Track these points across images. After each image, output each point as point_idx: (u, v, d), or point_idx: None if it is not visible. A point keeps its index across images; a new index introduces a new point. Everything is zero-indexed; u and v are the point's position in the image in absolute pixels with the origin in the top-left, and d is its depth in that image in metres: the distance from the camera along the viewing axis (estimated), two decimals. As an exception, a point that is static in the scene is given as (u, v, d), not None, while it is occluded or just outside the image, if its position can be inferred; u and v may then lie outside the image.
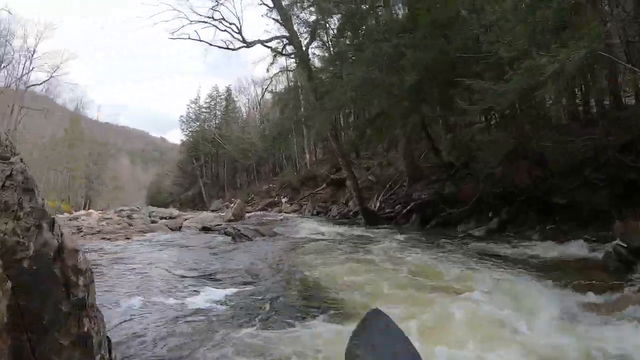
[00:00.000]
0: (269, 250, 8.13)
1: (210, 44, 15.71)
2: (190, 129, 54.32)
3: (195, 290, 4.89)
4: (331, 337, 3.21)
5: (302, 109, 31.39)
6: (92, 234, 11.30)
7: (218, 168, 53.15)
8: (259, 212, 28.83)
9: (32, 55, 37.81)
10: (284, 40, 14.22)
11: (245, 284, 5.30)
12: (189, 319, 3.82)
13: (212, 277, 5.75)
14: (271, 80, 22.82)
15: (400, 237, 9.49)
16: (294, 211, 27.16)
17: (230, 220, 19.96)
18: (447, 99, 9.59)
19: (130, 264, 6.65)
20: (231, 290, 4.84)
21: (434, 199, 11.86)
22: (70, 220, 14.34)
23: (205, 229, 13.08)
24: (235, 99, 53.64)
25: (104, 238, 10.67)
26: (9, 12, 40.58)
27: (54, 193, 43.57)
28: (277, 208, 30.24)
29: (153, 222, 14.59)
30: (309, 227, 13.94)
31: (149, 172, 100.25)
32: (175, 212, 16.04)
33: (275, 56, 15.40)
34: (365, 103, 14.74)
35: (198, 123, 53.99)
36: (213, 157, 52.73)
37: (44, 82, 39.57)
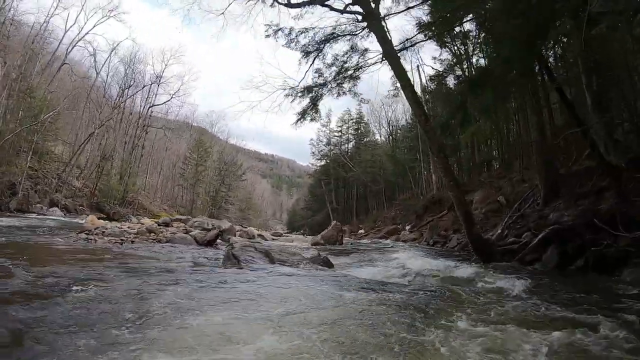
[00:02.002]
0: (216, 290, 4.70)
1: None
2: (320, 152, 53.39)
3: None
4: None
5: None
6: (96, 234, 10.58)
7: (349, 193, 50.93)
8: (368, 240, 25.53)
9: (159, 80, 41.65)
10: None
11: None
12: None
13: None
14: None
15: (516, 288, 5.27)
16: (414, 239, 23.03)
17: (317, 244, 17.00)
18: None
19: None
20: None
21: (583, 221, 7.11)
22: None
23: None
24: (367, 121, 51.26)
25: (87, 238, 9.78)
26: (134, 41, 45.35)
27: (180, 208, 45.95)
28: (396, 235, 26.30)
29: (187, 232, 12.36)
30: (400, 260, 10.08)
31: (293, 197, 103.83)
32: (226, 224, 13.95)
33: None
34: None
35: (329, 147, 52.85)
36: (344, 181, 50.73)
37: (165, 102, 44.47)
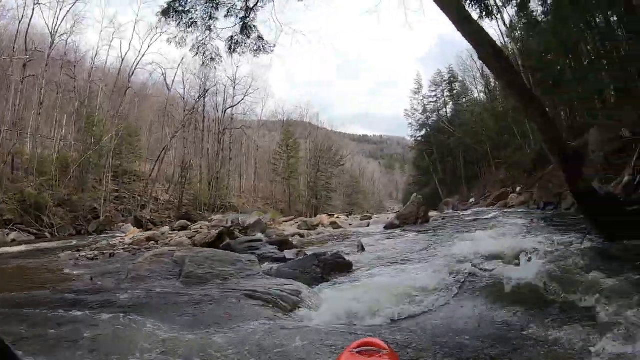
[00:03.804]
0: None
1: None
2: (418, 122, 49.48)
3: None
4: None
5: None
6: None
7: (454, 161, 46.23)
8: (469, 211, 22.00)
9: (234, 83, 42.92)
10: None
11: None
12: None
13: None
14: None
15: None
16: (522, 203, 19.35)
17: (391, 226, 14.45)
18: None
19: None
20: None
21: None
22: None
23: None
24: (462, 78, 46.17)
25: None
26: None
27: (278, 203, 45.75)
28: (504, 201, 22.32)
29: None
30: (472, 245, 7.05)
31: (406, 174, 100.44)
32: (252, 219, 12.80)
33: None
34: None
35: (426, 114, 48.81)
36: (448, 149, 46.18)
37: (239, 102, 44.25)
